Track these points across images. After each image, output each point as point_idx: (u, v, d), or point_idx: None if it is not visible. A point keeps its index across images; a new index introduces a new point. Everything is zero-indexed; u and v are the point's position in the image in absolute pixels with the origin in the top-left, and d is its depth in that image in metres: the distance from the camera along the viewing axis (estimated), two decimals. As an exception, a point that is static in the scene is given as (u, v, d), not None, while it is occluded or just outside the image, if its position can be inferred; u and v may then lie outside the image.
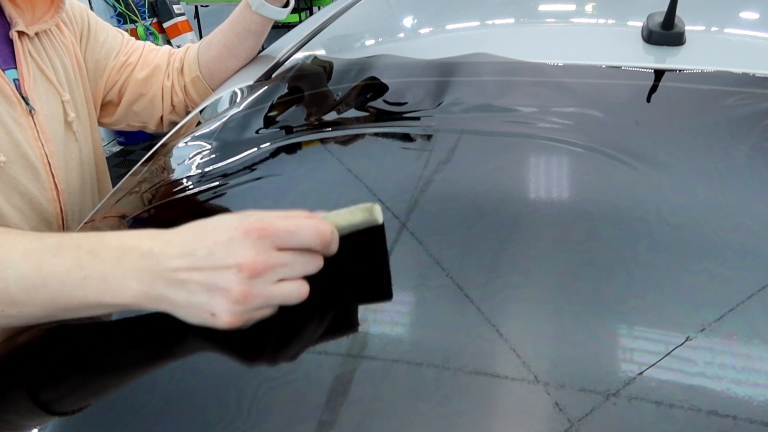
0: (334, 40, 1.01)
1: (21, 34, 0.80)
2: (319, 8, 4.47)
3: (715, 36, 0.88)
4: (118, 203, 0.68)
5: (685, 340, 0.42)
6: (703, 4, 0.96)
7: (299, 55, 0.94)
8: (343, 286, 0.50)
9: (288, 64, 0.91)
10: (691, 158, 0.59)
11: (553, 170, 0.59)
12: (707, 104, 0.67)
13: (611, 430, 0.38)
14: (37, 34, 0.82)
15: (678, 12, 0.78)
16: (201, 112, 0.89)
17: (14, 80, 0.78)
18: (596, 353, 0.42)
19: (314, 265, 0.46)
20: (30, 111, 0.78)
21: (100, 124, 1.00)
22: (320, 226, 0.45)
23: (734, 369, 0.40)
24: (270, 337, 0.46)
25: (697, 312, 0.44)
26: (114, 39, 0.96)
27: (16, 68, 0.79)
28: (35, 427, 0.45)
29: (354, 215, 0.47)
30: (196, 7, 4.76)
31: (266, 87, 0.84)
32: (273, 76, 0.88)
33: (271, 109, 0.77)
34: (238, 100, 0.84)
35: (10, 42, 0.79)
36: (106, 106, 0.99)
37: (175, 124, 1.00)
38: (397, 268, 0.50)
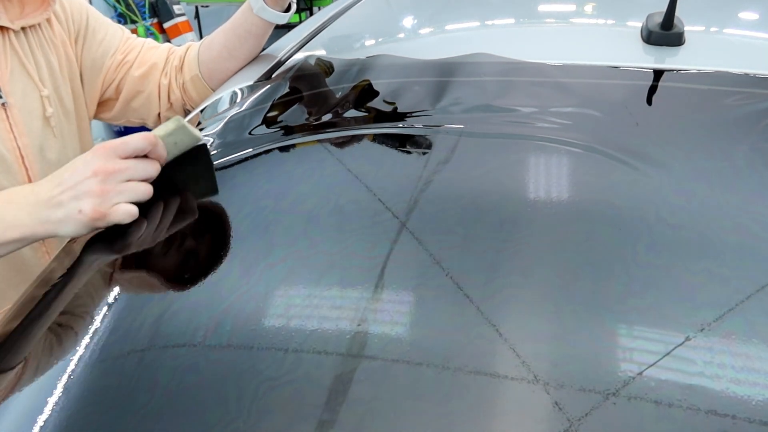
0: (334, 40, 1.01)
1: (3, 29, 0.81)
2: (319, 8, 4.47)
3: (715, 36, 0.88)
4: None
5: (685, 340, 0.42)
6: (702, 5, 0.96)
7: (299, 55, 0.94)
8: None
9: (288, 64, 0.91)
10: (690, 158, 0.59)
11: (552, 170, 0.59)
12: (707, 104, 0.67)
13: (611, 430, 0.38)
14: (23, 29, 0.84)
15: (677, 12, 0.78)
16: (201, 112, 0.89)
17: None
18: (596, 353, 0.42)
19: (152, 168, 0.62)
20: (2, 103, 0.80)
21: (100, 118, 1.02)
22: (145, 134, 0.61)
23: (733, 369, 0.40)
24: (270, 337, 0.46)
25: (697, 312, 0.44)
26: (113, 37, 0.97)
27: None
28: None
29: (167, 125, 0.63)
30: (197, 7, 4.76)
31: (266, 87, 0.84)
32: (273, 76, 0.88)
33: (271, 109, 0.77)
34: (238, 100, 0.84)
35: None
36: (105, 103, 1.00)
37: None
38: (397, 268, 0.51)
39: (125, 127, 3.83)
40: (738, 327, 0.42)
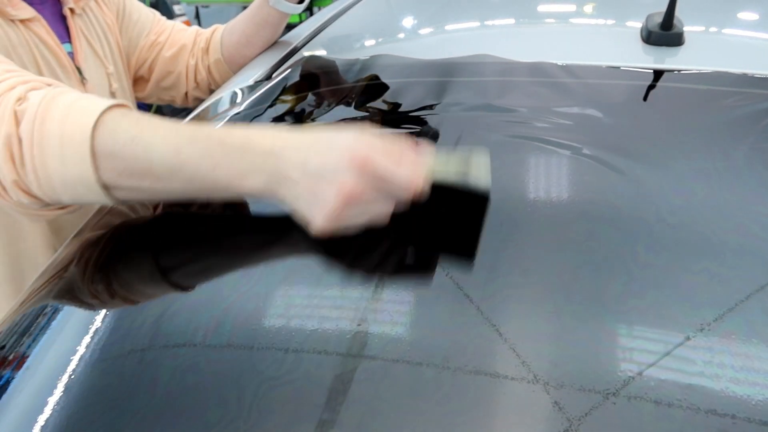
0: (334, 40, 1.01)
1: (73, 11, 0.90)
2: (319, 8, 4.47)
3: (714, 36, 0.88)
4: None
5: (685, 340, 0.42)
6: (702, 5, 0.96)
7: (299, 55, 0.94)
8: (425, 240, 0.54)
9: (288, 64, 0.91)
10: (690, 158, 0.59)
11: (552, 170, 0.59)
12: (706, 104, 0.67)
13: (611, 430, 0.38)
14: (84, 10, 0.92)
15: (677, 12, 0.78)
16: (202, 111, 0.89)
17: (69, 53, 0.89)
18: (596, 353, 0.42)
19: (392, 208, 0.51)
20: (83, 80, 0.89)
21: (134, 97, 1.09)
22: (413, 183, 0.50)
23: (733, 368, 0.40)
24: (270, 337, 0.46)
25: (697, 312, 0.44)
26: (146, 18, 1.05)
27: (70, 42, 0.89)
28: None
29: (449, 166, 0.51)
30: (197, 7, 4.76)
31: (267, 87, 0.84)
32: (273, 76, 0.88)
33: (271, 108, 0.77)
34: (238, 100, 0.84)
35: (64, 19, 0.89)
36: (138, 82, 1.07)
37: (199, 100, 1.07)
38: (396, 268, 0.51)
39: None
40: (738, 327, 0.43)
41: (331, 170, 0.49)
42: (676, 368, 0.41)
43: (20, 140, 0.53)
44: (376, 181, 0.49)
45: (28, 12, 0.83)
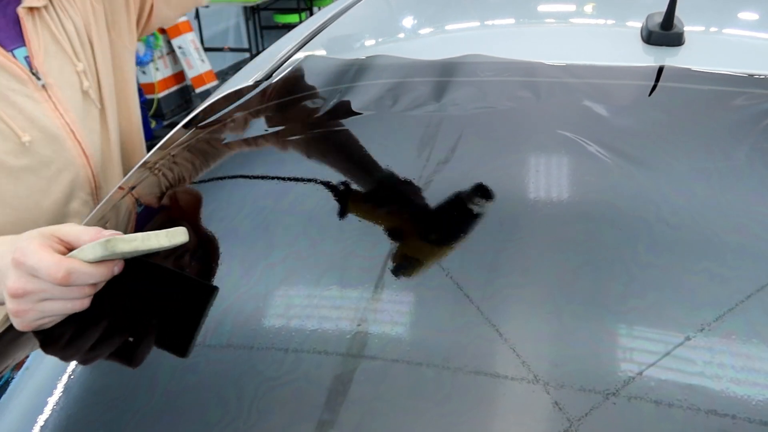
0: (334, 40, 1.01)
1: (31, 9, 0.80)
2: (319, 8, 4.47)
3: (715, 36, 0.88)
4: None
5: (685, 340, 0.42)
6: (702, 5, 0.96)
7: (299, 55, 0.94)
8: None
9: (288, 64, 0.91)
10: (691, 158, 0.59)
11: (552, 170, 0.59)
12: (706, 104, 0.67)
13: (611, 430, 0.38)
14: (51, 3, 0.83)
15: (677, 12, 0.78)
16: (202, 110, 0.89)
17: (25, 57, 0.79)
18: (596, 353, 0.42)
19: (76, 294, 0.51)
20: (42, 85, 0.79)
21: (165, 24, 1.04)
22: (60, 266, 0.49)
23: (733, 369, 0.40)
24: (270, 337, 0.46)
25: (697, 312, 0.44)
26: None
27: (25, 45, 0.80)
28: None
29: (94, 249, 0.50)
30: (196, 6, 4.76)
31: (266, 87, 0.84)
32: (273, 75, 0.88)
33: (270, 108, 0.77)
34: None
35: (18, 20, 0.80)
36: (150, 17, 1.00)
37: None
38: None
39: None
40: (738, 327, 0.43)
41: (2, 274, 0.53)
42: (676, 368, 0.41)
43: None
44: (30, 272, 0.50)
45: None
